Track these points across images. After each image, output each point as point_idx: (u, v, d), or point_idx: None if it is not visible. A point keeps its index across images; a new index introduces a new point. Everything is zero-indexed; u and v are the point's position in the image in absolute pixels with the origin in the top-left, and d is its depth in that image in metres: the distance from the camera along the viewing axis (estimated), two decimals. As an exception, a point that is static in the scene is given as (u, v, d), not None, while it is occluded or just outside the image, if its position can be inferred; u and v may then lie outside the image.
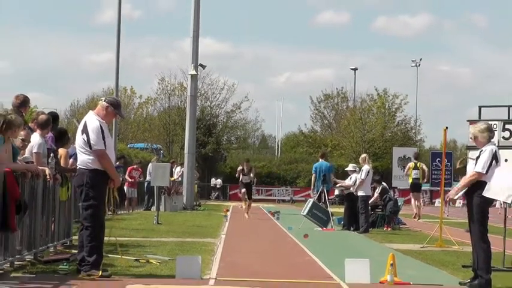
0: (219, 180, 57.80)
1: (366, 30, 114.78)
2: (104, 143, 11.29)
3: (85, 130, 11.32)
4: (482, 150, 11.71)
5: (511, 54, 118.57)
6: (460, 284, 11.50)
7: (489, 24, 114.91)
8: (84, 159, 11.37)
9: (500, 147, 14.24)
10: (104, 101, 11.92)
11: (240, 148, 72.95)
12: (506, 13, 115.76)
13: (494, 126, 15.48)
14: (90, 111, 11.98)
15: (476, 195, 11.55)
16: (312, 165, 29.05)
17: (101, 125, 11.33)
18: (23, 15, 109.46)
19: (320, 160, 27.87)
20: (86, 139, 11.28)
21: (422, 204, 51.43)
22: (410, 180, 29.03)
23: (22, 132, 12.05)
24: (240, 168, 30.56)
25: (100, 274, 10.91)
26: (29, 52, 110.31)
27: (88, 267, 11.02)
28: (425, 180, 31.42)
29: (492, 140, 12.32)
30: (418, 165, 29.27)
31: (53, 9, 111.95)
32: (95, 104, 12.43)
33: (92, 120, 11.42)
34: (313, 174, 27.22)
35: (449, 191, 20.71)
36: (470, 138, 12.48)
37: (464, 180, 11.86)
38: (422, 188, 51.70)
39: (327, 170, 26.81)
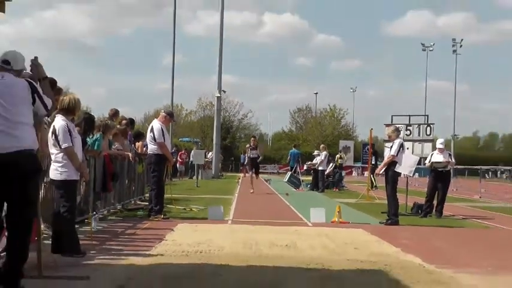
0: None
1: (324, 69, 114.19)
2: (164, 138, 11.33)
3: (152, 130, 11.38)
4: (393, 142, 11.79)
5: (407, 83, 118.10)
6: (380, 223, 11.50)
7: (394, 64, 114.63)
8: (151, 147, 11.42)
9: (404, 140, 14.29)
10: (163, 111, 12.07)
11: (245, 141, 72.86)
12: (402, 58, 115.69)
13: (401, 127, 15.49)
14: (155, 118, 12.04)
15: (390, 170, 11.62)
16: (289, 151, 29.87)
17: (161, 127, 11.37)
18: (115, 58, 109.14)
19: (293, 148, 29.11)
20: (152, 136, 11.32)
21: (357, 175, 51.72)
22: (338, 163, 29.88)
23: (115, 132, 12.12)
24: (248, 145, 22.61)
25: (162, 217, 10.95)
26: (119, 81, 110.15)
27: (154, 213, 11.04)
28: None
29: (400, 136, 12.42)
30: (342, 155, 29.83)
31: (136, 54, 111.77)
32: (159, 114, 12.43)
33: (156, 124, 11.48)
34: (289, 157, 28.51)
35: (372, 166, 20.87)
36: (386, 135, 12.52)
37: (384, 162, 11.95)
38: (357, 165, 51.92)
39: (297, 154, 27.60)
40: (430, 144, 15.97)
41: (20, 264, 4.85)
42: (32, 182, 4.92)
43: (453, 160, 14.25)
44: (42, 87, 5.19)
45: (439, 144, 13.84)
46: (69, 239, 6.69)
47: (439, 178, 13.46)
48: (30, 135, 4.92)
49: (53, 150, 6.78)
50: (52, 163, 6.84)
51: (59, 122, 6.74)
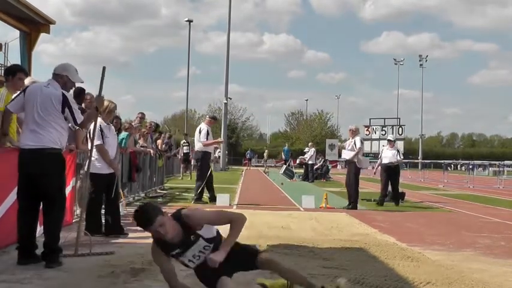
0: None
1: (313, 80, 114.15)
2: (207, 138, 11.53)
3: (200, 131, 11.64)
4: (355, 139, 11.57)
5: (382, 91, 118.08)
6: (343, 207, 11.32)
7: (371, 76, 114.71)
8: (199, 146, 11.65)
9: (381, 139, 14.17)
10: (208, 116, 12.38)
11: (248, 140, 72.64)
12: (378, 71, 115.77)
13: (376, 128, 15.41)
14: (202, 122, 12.30)
15: (354, 164, 11.50)
16: (283, 148, 30.77)
17: (207, 129, 11.62)
18: (141, 71, 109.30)
19: (286, 146, 30.10)
20: (199, 136, 11.56)
21: (341, 168, 51.16)
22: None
23: (139, 132, 12.06)
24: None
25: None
26: (144, 90, 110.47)
27: (195, 200, 11.26)
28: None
29: (359, 134, 12.06)
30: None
31: (158, 68, 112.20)
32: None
33: (203, 126, 11.77)
34: (282, 152, 31.31)
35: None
36: (349, 131, 12.02)
37: (356, 152, 11.50)
38: (341, 159, 51.18)
39: (288, 150, 30.07)
40: (402, 142, 15.91)
41: (55, 242, 4.82)
42: (54, 175, 4.84)
43: (401, 157, 13.16)
44: (89, 115, 5.28)
45: (389, 136, 13.13)
46: (95, 222, 6.64)
47: (389, 172, 12.59)
48: (53, 136, 4.85)
49: (88, 147, 6.71)
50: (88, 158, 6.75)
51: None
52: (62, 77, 5.04)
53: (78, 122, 5.04)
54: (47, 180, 4.82)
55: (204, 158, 11.45)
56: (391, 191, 12.69)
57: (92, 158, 6.67)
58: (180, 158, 22.64)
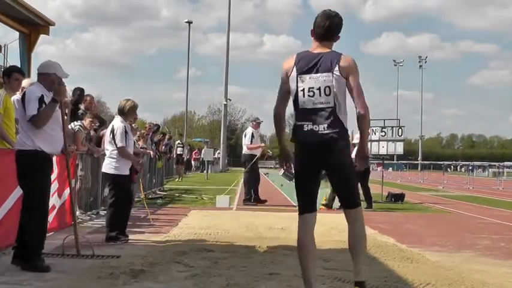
0: None
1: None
2: (251, 141, 11.98)
3: (245, 135, 12.28)
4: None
5: (382, 92, 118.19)
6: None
7: (375, 75, 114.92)
8: (245, 148, 12.11)
9: (380, 140, 14.18)
10: (251, 120, 13.08)
11: (248, 141, 72.85)
12: (378, 72, 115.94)
13: (376, 129, 15.42)
14: (249, 126, 13.03)
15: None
16: None
17: (253, 132, 12.13)
18: (141, 72, 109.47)
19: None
20: (244, 139, 12.16)
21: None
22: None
23: (138, 133, 12.04)
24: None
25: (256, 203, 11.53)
26: (143, 91, 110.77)
27: (246, 201, 11.82)
28: None
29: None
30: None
31: (158, 69, 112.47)
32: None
33: (249, 130, 12.38)
34: None
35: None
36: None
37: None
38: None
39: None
40: (401, 144, 15.87)
41: (29, 246, 4.70)
42: (25, 175, 4.77)
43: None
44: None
45: (355, 139, 12.22)
46: (111, 224, 6.48)
47: (358, 173, 11.95)
48: (21, 137, 4.81)
49: (108, 146, 6.51)
50: (106, 158, 6.57)
51: (117, 123, 6.48)
52: (50, 75, 4.78)
53: (27, 118, 4.70)
54: (22, 179, 4.83)
55: (249, 160, 11.78)
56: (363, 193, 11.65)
57: (112, 160, 6.51)
58: (174, 159, 22.58)
